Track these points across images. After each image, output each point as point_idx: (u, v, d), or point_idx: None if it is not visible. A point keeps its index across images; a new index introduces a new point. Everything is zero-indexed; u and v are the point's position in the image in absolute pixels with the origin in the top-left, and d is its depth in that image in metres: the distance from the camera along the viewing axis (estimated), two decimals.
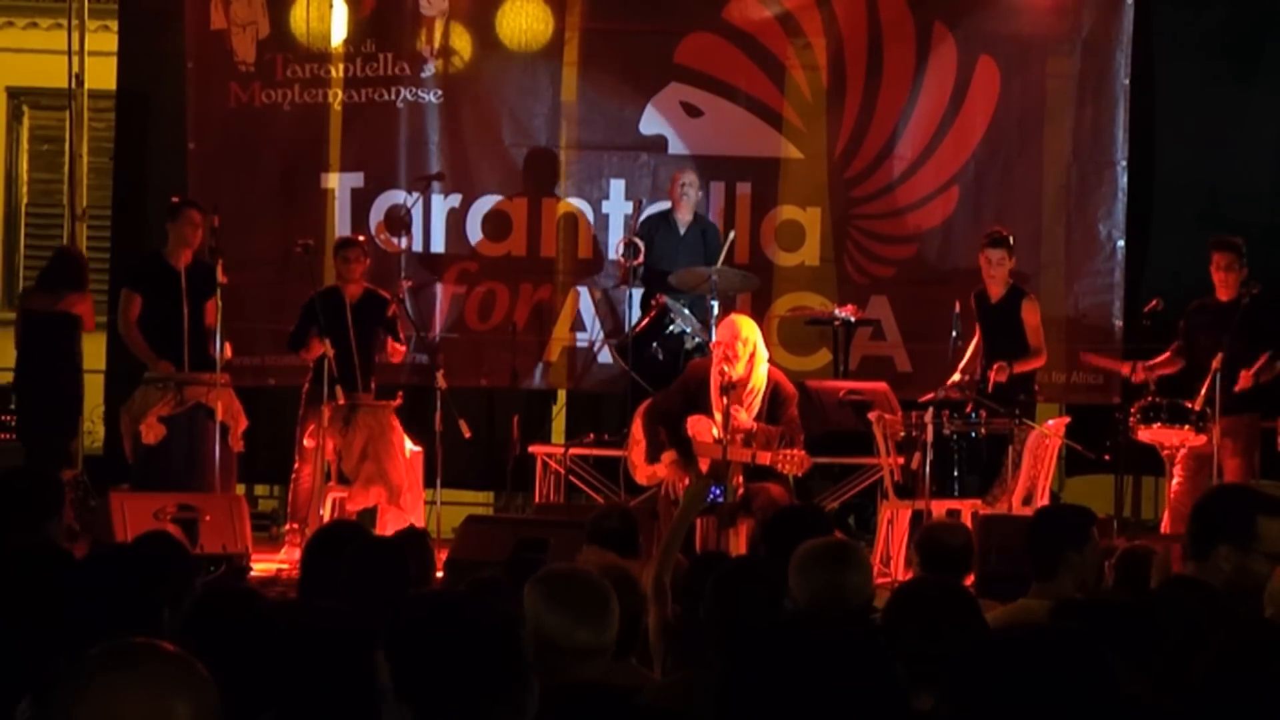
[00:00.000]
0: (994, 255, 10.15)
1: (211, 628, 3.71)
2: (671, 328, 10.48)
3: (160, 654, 2.08)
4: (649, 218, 11.15)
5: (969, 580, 5.77)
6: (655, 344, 10.46)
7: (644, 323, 10.52)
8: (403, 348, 10.45)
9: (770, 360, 9.41)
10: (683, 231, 10.96)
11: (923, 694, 3.54)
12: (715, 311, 10.18)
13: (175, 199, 10.57)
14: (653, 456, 9.17)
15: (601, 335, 11.60)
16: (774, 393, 9.10)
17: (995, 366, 9.69)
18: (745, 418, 8.95)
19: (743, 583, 4.40)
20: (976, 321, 10.20)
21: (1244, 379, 9.61)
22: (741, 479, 8.91)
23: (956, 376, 9.87)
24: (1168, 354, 10.06)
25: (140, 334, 10.23)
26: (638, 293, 11.15)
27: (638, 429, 9.43)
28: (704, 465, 9.01)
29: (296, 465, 10.32)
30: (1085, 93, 11.43)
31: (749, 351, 9.01)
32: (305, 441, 10.20)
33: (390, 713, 2.61)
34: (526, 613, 3.76)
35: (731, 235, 11.03)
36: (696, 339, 10.33)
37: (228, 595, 4.21)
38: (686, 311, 10.41)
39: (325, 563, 4.79)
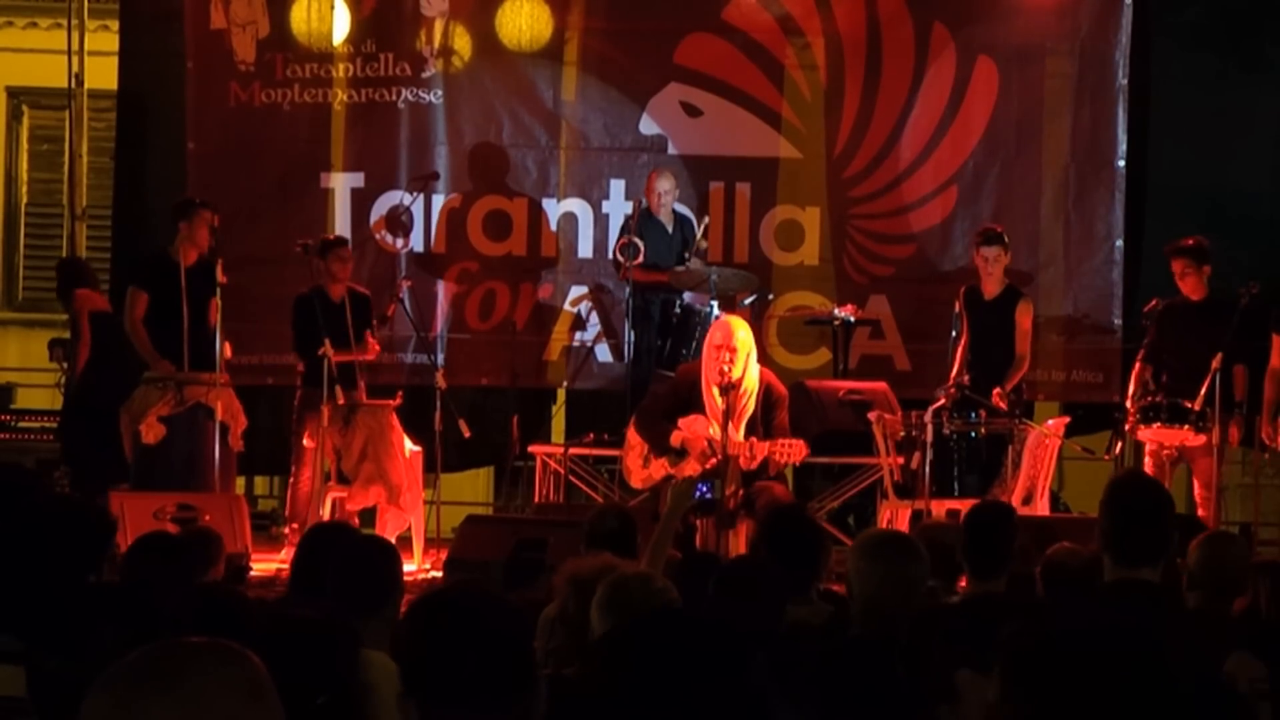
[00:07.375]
0: (990, 253, 10.15)
1: (202, 625, 3.72)
2: (679, 302, 10.55)
3: (232, 653, 2.06)
4: (640, 218, 11.01)
5: (964, 580, 5.75)
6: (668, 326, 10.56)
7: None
8: (376, 345, 10.42)
9: (762, 360, 9.44)
10: (670, 230, 10.96)
11: (941, 705, 3.58)
12: (715, 313, 10.18)
13: (189, 196, 10.55)
14: (661, 453, 9.22)
15: (600, 333, 11.62)
16: (766, 394, 9.11)
17: (995, 393, 9.67)
18: (739, 438, 8.95)
19: (745, 582, 4.41)
20: (965, 319, 10.18)
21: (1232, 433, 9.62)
22: (739, 481, 8.90)
23: (954, 377, 9.87)
24: (1139, 364, 9.97)
25: (145, 332, 10.22)
26: None
27: (633, 435, 9.45)
28: (699, 467, 9.00)
29: (294, 469, 10.32)
30: (1084, 93, 11.44)
31: (745, 352, 9.03)
32: (305, 442, 10.20)
33: (375, 708, 2.62)
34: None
35: (706, 220, 11.06)
36: (707, 308, 10.34)
37: (219, 596, 4.21)
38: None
39: (314, 563, 4.80)
